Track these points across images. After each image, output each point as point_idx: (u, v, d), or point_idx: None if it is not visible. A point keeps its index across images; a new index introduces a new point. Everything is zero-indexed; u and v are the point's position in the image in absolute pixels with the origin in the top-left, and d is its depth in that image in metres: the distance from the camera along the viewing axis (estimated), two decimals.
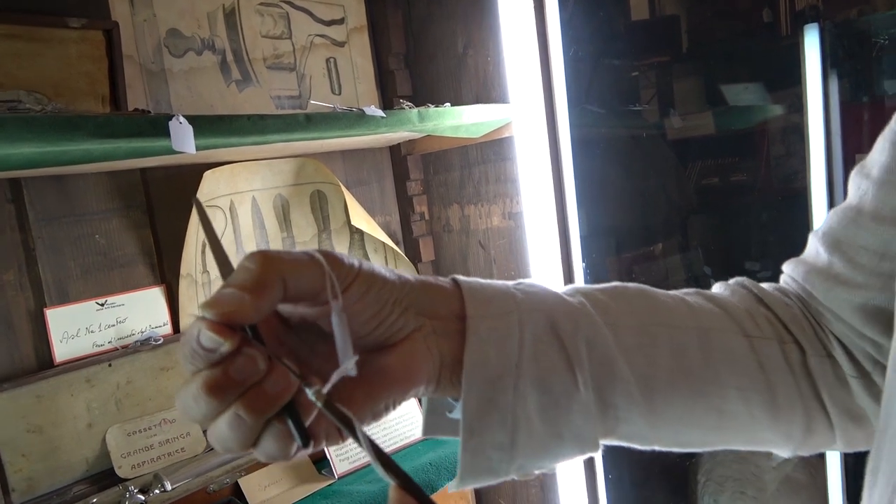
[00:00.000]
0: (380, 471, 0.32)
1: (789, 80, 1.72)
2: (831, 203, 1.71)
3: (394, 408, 0.37)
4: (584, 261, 1.32)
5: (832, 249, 0.46)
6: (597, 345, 0.40)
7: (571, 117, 1.28)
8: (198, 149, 0.88)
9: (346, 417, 0.32)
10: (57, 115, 0.78)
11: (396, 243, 1.52)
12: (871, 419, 0.46)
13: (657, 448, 0.45)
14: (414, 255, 1.56)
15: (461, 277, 0.41)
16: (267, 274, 0.31)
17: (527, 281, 0.43)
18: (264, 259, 0.32)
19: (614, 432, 0.42)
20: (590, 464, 1.33)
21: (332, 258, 0.34)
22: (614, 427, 0.42)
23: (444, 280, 0.40)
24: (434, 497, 0.34)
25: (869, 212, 0.44)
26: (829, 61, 1.65)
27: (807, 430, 0.46)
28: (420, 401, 0.43)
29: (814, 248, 0.49)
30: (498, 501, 1.52)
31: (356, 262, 0.36)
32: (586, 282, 1.35)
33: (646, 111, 1.87)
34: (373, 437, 0.33)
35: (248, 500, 1.02)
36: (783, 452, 0.48)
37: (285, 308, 0.35)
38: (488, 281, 0.42)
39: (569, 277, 1.34)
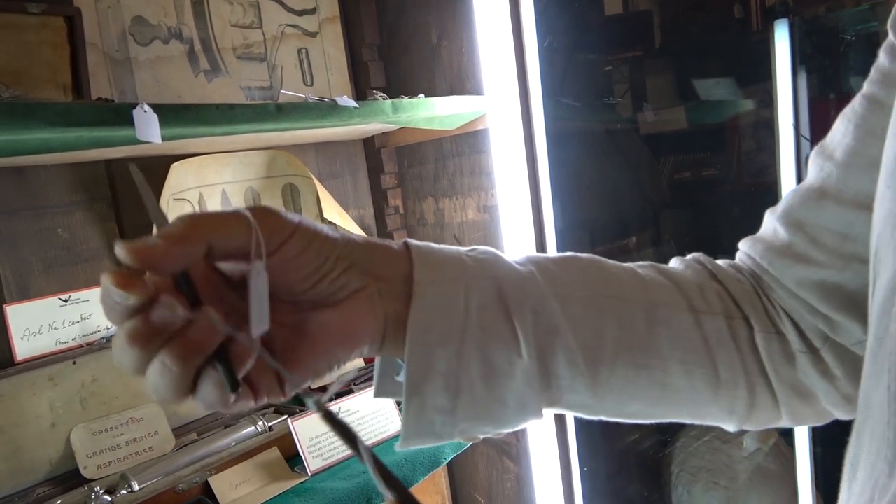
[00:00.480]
0: (380, 485, 0.32)
1: (760, 76, 1.75)
2: None
3: (338, 367, 0.37)
4: (558, 252, 1.31)
5: (794, 229, 0.46)
6: (542, 314, 0.41)
7: (546, 110, 1.28)
8: (164, 139, 0.85)
9: (347, 430, 0.33)
10: (14, 103, 0.75)
11: (371, 237, 1.50)
12: (817, 395, 0.47)
13: (603, 418, 0.46)
14: None
15: (413, 241, 0.41)
16: (189, 228, 0.32)
17: (481, 248, 0.43)
18: (191, 216, 0.32)
19: (559, 401, 0.43)
20: (565, 456, 1.34)
21: (267, 213, 0.34)
22: (559, 396, 0.42)
23: (394, 243, 0.40)
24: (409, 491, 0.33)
25: (833, 193, 0.44)
26: (799, 57, 1.67)
27: (751, 405, 0.46)
28: (398, 404, 0.43)
29: (771, 226, 0.49)
30: (473, 496, 1.51)
31: (295, 218, 0.35)
32: None
33: (619, 105, 1.88)
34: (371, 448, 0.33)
35: (218, 499, 1.00)
36: (728, 426, 0.48)
37: (226, 266, 0.36)
38: (440, 246, 0.41)
39: None
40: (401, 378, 0.42)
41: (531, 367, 0.40)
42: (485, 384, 0.39)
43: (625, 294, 0.44)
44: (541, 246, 1.32)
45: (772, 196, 1.72)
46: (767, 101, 1.73)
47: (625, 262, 0.49)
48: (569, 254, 0.47)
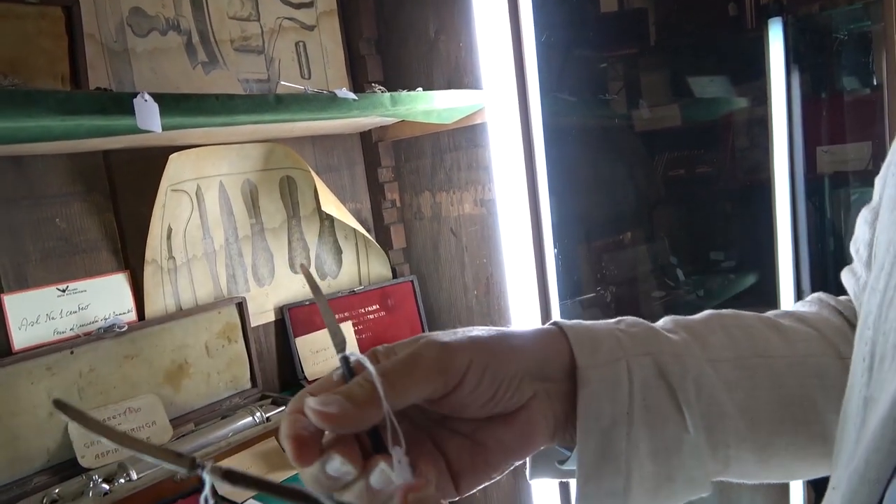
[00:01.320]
0: None
1: (754, 73, 1.76)
2: (793, 194, 1.76)
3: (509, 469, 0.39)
4: (555, 247, 1.33)
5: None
6: (704, 385, 0.40)
7: (543, 105, 1.29)
8: (164, 128, 0.86)
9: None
10: (14, 91, 0.75)
11: (367, 230, 1.51)
12: None
13: (769, 482, 0.45)
14: (385, 243, 1.55)
15: (563, 322, 0.41)
16: (375, 392, 0.32)
17: (628, 319, 0.43)
18: (375, 379, 0.33)
19: (725, 471, 0.42)
20: None
21: (440, 353, 0.34)
22: (725, 466, 0.42)
23: (545, 329, 0.40)
24: None
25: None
26: (793, 55, 1.68)
27: None
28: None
29: (853, 256, 0.48)
30: None
31: (466, 345, 0.35)
32: (557, 268, 1.36)
33: (615, 102, 1.89)
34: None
35: (216, 488, 1.00)
36: None
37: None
38: (591, 323, 0.42)
39: (540, 264, 1.35)
40: (567, 465, 0.42)
41: (698, 439, 0.40)
42: (654, 462, 0.39)
43: (770, 351, 0.44)
44: (538, 240, 1.33)
45: (765, 193, 1.73)
46: (761, 98, 1.74)
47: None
48: (711, 312, 0.46)
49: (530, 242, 1.34)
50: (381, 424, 0.33)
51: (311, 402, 0.31)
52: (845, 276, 0.49)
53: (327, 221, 1.47)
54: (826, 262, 1.80)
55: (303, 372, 1.36)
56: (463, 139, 1.40)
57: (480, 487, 0.37)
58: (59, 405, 0.31)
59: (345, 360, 0.35)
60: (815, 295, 0.52)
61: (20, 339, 1.05)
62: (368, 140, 1.52)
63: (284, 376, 1.39)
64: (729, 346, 0.43)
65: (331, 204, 1.36)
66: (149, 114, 0.83)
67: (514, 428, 0.37)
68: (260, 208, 1.36)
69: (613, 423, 0.38)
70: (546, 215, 1.34)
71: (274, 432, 1.11)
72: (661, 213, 2.02)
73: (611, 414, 0.38)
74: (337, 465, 0.31)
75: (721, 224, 2.01)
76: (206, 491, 0.31)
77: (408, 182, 1.53)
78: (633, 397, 0.39)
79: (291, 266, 1.42)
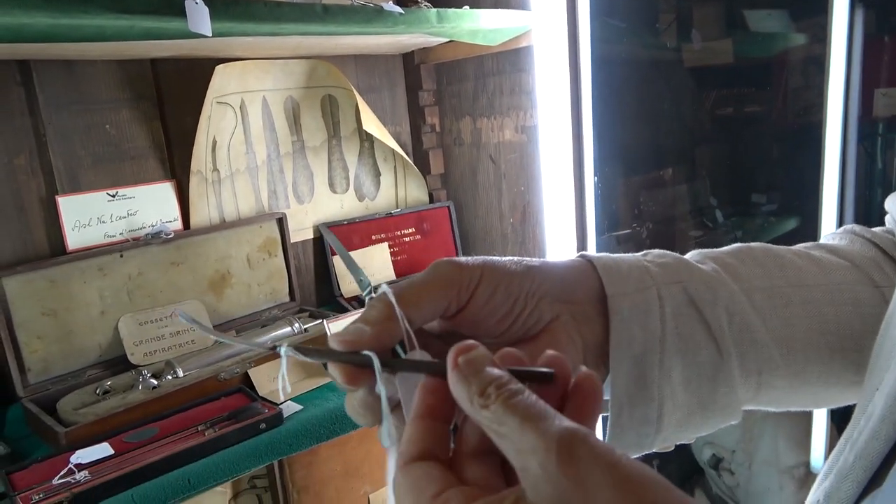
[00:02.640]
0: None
1: (815, 8, 1.67)
2: (845, 138, 1.70)
3: None
4: (595, 176, 1.31)
5: None
6: (735, 312, 0.40)
7: (592, 29, 1.25)
8: (213, 34, 0.86)
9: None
10: None
11: (406, 154, 1.51)
12: None
13: (793, 409, 0.45)
14: (423, 167, 1.55)
15: (590, 254, 0.41)
16: (388, 310, 0.33)
17: (655, 251, 0.43)
18: (388, 300, 0.34)
19: (756, 398, 0.42)
20: None
21: (451, 268, 0.35)
22: (756, 393, 0.42)
23: (571, 259, 0.40)
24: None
25: None
26: None
27: None
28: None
29: None
30: None
31: (479, 263, 0.36)
32: (596, 198, 1.35)
33: (666, 33, 1.82)
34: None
35: (257, 389, 1.05)
36: None
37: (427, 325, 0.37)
38: (618, 255, 0.41)
39: (579, 195, 1.34)
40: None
41: (730, 367, 0.39)
42: (687, 390, 0.39)
43: (805, 280, 0.43)
44: (578, 170, 1.32)
45: (815, 136, 1.67)
46: (820, 35, 1.66)
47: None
48: (740, 245, 0.46)
49: (570, 173, 1.33)
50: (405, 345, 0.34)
51: (336, 337, 0.33)
52: (892, 201, 0.49)
53: (367, 143, 1.47)
54: (872, 210, 1.75)
55: (339, 289, 1.40)
56: (507, 63, 1.37)
57: None
58: (298, 349, 0.34)
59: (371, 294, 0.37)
60: (847, 227, 0.52)
61: (74, 240, 1.10)
62: (410, 61, 1.50)
63: (322, 292, 1.43)
64: (762, 275, 0.43)
65: (372, 123, 1.36)
66: (200, 17, 0.83)
67: (538, 350, 0.37)
68: (301, 126, 1.37)
69: (646, 350, 0.38)
70: (588, 145, 1.32)
71: (312, 341, 1.15)
72: (705, 151, 1.97)
73: (643, 341, 0.38)
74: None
75: (766, 166, 1.96)
76: (283, 369, 0.35)
77: (448, 106, 1.52)
78: (664, 324, 0.39)
79: (331, 186, 1.44)
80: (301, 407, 1.01)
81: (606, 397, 0.41)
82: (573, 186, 1.33)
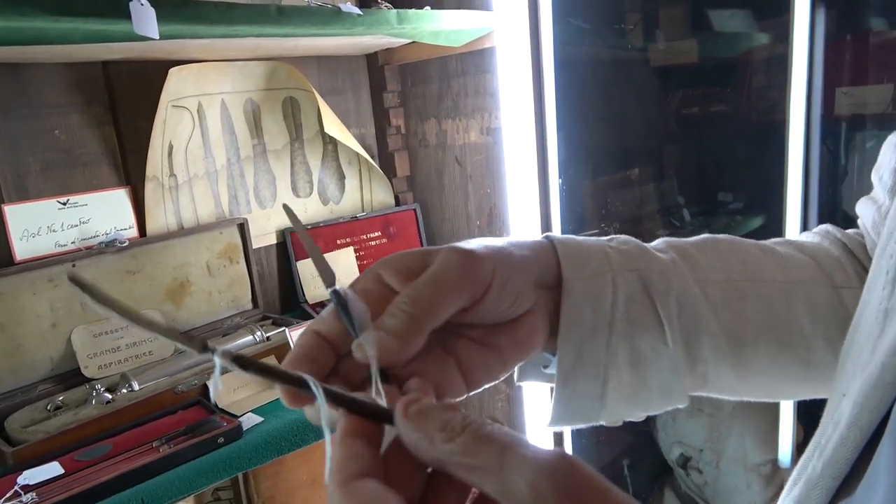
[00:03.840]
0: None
1: (777, 8, 1.69)
2: (808, 137, 1.72)
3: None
4: (560, 178, 1.31)
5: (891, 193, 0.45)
6: (687, 303, 0.42)
7: (555, 31, 1.24)
8: (161, 36, 0.83)
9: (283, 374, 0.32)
10: None
11: (371, 157, 1.49)
12: None
13: (747, 399, 0.47)
14: (389, 170, 1.53)
15: (555, 236, 0.42)
16: (413, 323, 0.33)
17: (621, 237, 0.44)
18: (411, 310, 0.33)
19: (704, 386, 0.44)
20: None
21: (465, 262, 0.34)
22: (704, 381, 0.43)
23: (538, 241, 0.41)
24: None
25: None
26: None
27: None
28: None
29: (876, 186, 0.48)
30: None
31: (490, 255, 0.35)
32: (561, 202, 1.35)
33: (630, 33, 1.82)
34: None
35: (216, 401, 1.02)
36: None
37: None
38: (582, 238, 0.42)
39: (545, 197, 1.33)
40: (550, 370, 0.43)
41: (676, 353, 0.41)
42: (632, 371, 0.41)
43: (763, 275, 0.45)
44: (543, 171, 1.31)
45: (779, 135, 1.69)
46: (783, 35, 1.68)
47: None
48: (706, 236, 0.47)
49: (535, 174, 1.32)
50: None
51: (360, 346, 0.32)
52: (862, 206, 0.49)
53: (330, 146, 1.45)
54: (836, 207, 1.78)
55: (304, 295, 1.37)
56: (471, 64, 1.36)
57: (487, 386, 0.38)
58: (74, 281, 0.31)
59: (335, 293, 0.34)
60: (823, 227, 0.53)
61: (22, 249, 1.06)
62: (374, 63, 1.48)
63: (285, 298, 1.40)
64: (721, 268, 0.44)
65: (333, 126, 1.33)
66: (146, 19, 0.80)
67: (520, 333, 0.38)
68: (262, 129, 1.34)
69: (594, 331, 0.40)
70: (553, 147, 1.31)
71: (274, 351, 1.13)
72: (671, 151, 1.98)
73: (592, 323, 0.40)
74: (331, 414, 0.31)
75: (732, 165, 1.97)
76: (216, 374, 0.31)
77: (413, 108, 1.50)
78: (615, 309, 0.40)
79: (294, 190, 1.41)
80: (262, 419, 0.99)
81: (550, 371, 0.43)
82: (538, 188, 1.33)
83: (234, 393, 1.05)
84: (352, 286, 0.35)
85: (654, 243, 0.45)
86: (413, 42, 1.33)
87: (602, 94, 1.74)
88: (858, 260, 0.48)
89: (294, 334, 1.09)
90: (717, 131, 1.95)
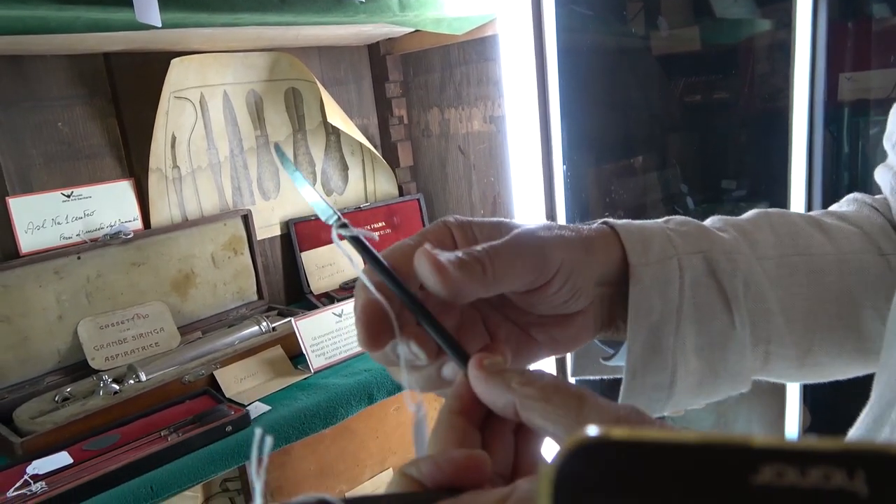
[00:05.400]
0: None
1: None
2: (811, 123, 1.71)
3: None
4: (564, 166, 1.30)
5: None
6: (752, 283, 0.41)
7: (558, 17, 1.24)
8: (164, 24, 0.83)
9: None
10: None
11: (374, 147, 1.48)
12: None
13: (805, 382, 0.46)
14: (392, 160, 1.53)
15: (614, 221, 0.40)
16: (493, 271, 0.32)
17: (677, 218, 0.43)
18: (490, 262, 0.32)
19: (765, 368, 0.43)
20: (561, 360, 1.37)
21: (536, 247, 0.34)
22: (765, 363, 0.43)
23: (597, 229, 0.40)
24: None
25: None
26: None
27: None
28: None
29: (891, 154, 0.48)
30: None
31: (558, 244, 0.35)
32: (565, 190, 1.34)
33: (633, 20, 1.81)
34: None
35: (223, 391, 1.02)
36: None
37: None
38: (641, 223, 0.41)
39: (549, 185, 1.33)
40: (613, 362, 0.43)
41: (743, 337, 0.40)
42: (699, 357, 0.40)
43: (813, 248, 0.44)
44: (547, 159, 1.31)
45: (783, 122, 1.68)
46: (785, 21, 1.67)
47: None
48: (759, 211, 0.46)
49: (539, 162, 1.31)
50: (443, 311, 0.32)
51: (426, 253, 0.31)
52: (881, 173, 0.49)
53: (333, 136, 1.44)
54: (839, 192, 1.77)
55: (309, 286, 1.37)
56: (473, 52, 1.35)
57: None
58: (277, 148, 0.35)
59: (354, 238, 0.34)
60: (851, 195, 0.52)
61: (27, 242, 1.06)
62: (376, 52, 1.47)
63: (290, 290, 1.40)
64: (774, 244, 0.44)
65: (336, 116, 1.33)
66: (148, 6, 0.80)
67: (569, 329, 0.37)
68: (265, 120, 1.34)
69: (663, 319, 0.38)
70: (556, 134, 1.31)
71: (280, 340, 1.13)
72: (675, 139, 1.97)
73: (661, 310, 0.38)
74: (414, 349, 0.31)
75: (735, 152, 1.97)
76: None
77: (416, 97, 1.49)
78: (683, 294, 0.39)
79: None
80: (269, 408, 0.99)
81: (620, 363, 0.42)
82: (542, 176, 1.32)
83: (241, 383, 1.05)
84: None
85: (709, 221, 0.44)
86: (415, 31, 1.33)
87: (605, 81, 1.73)
88: (892, 224, 0.48)
89: (300, 325, 1.09)
90: (721, 118, 1.94)
